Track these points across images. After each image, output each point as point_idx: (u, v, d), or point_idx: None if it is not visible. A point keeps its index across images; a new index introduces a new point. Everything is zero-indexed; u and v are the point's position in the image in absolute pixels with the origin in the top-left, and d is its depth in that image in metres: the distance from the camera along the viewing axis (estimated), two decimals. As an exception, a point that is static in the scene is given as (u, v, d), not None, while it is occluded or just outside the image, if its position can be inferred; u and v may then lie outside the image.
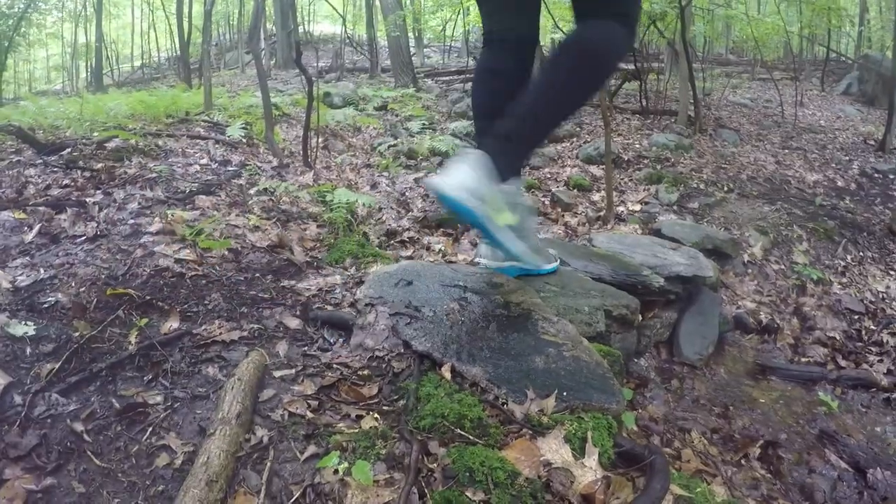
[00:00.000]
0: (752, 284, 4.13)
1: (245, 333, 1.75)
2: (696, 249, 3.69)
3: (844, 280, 4.43)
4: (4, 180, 3.65)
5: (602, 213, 4.68)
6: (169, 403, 1.44)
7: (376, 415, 1.39)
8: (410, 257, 3.31)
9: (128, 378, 1.57)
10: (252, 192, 3.64)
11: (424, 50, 20.49)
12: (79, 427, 1.38)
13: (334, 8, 8.59)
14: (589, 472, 1.25)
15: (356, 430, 1.33)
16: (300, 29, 17.91)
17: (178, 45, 14.41)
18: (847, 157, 7.51)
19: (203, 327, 1.80)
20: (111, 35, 23.35)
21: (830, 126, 9.60)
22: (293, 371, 1.55)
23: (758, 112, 9.71)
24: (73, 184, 3.62)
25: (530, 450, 1.29)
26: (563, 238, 4.19)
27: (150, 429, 1.37)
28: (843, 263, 4.63)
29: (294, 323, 1.84)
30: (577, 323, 1.93)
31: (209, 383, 1.51)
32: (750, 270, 4.32)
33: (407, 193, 4.69)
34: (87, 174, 3.85)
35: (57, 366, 1.59)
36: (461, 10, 17.45)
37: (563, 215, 4.73)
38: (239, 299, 2.02)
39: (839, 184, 6.40)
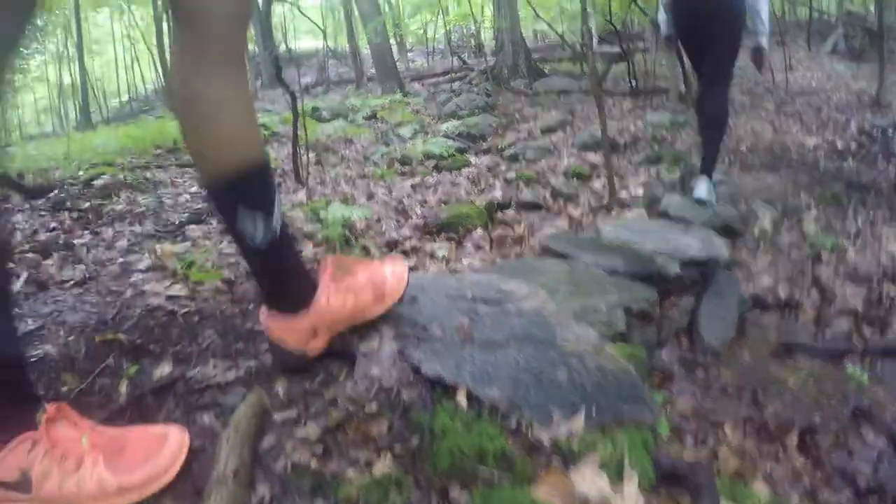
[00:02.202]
0: (766, 259, 4.00)
1: (241, 373, 1.62)
2: (707, 229, 3.57)
3: (858, 244, 4.29)
4: (-10, 230, 3.55)
5: (605, 201, 4.56)
6: (163, 462, 1.32)
7: (388, 457, 1.25)
8: (414, 267, 3.19)
9: (120, 432, 1.45)
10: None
11: (408, 54, 20.40)
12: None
13: (313, 21, 8.49)
14: (629, 501, 1.12)
15: (367, 479, 1.20)
16: (282, 46, 17.83)
17: (162, 76, 14.34)
18: (844, 117, 7.37)
19: (197, 369, 1.67)
20: (96, 73, 23.29)
21: (822, 87, 9.46)
22: (295, 412, 1.41)
23: (748, 80, 9.56)
24: (60, 226, 3.52)
25: (563, 484, 1.15)
26: (567, 231, 4.07)
27: (145, 492, 1.24)
28: (854, 227, 4.49)
29: (294, 355, 1.71)
30: (596, 324, 1.81)
31: (205, 434, 1.38)
32: (762, 245, 4.19)
33: (405, 201, 4.58)
34: (75, 215, 3.75)
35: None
36: (440, 11, 17.37)
37: (565, 207, 4.60)
38: (234, 334, 1.90)
39: (839, 145, 6.24)
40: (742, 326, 3.12)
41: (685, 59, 5.15)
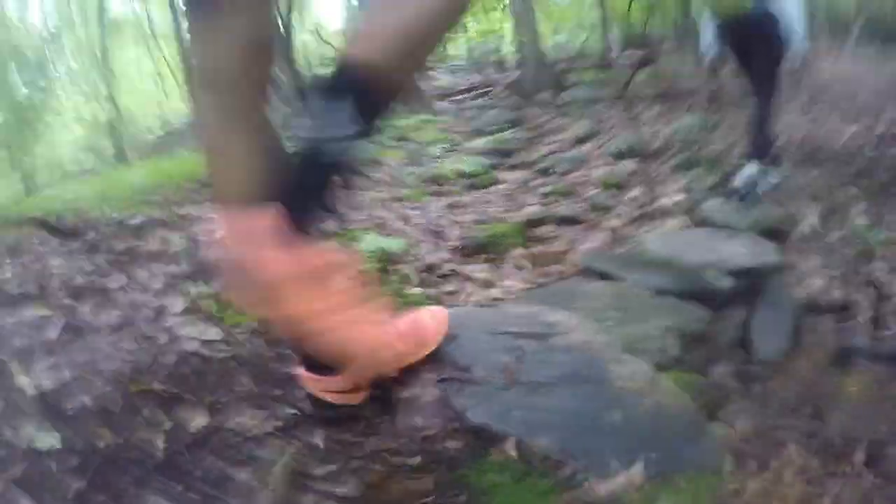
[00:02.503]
0: (817, 260, 3.84)
1: (279, 423, 1.56)
2: (753, 233, 3.44)
3: (912, 235, 4.11)
4: (28, 274, 3.54)
5: (644, 210, 4.45)
6: (201, 524, 1.25)
7: (434, 520, 1.17)
8: (453, 292, 3.12)
9: (158, 492, 1.39)
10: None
11: (431, 73, 20.37)
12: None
13: (336, 48, 8.49)
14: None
15: (413, 548, 1.12)
16: (307, 72, 17.95)
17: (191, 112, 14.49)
18: (880, 101, 7.11)
19: (234, 420, 1.61)
20: (129, 108, 23.61)
21: (855, 74, 9.18)
22: (334, 466, 1.33)
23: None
24: (95, 270, 3.49)
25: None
26: (609, 244, 3.96)
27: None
28: (906, 217, 4.31)
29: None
30: (649, 352, 1.72)
31: (243, 493, 1.32)
32: (811, 244, 4.03)
33: (439, 222, 4.50)
34: (111, 257, 3.72)
35: (84, 485, 1.42)
36: (461, 29, 17.37)
37: (603, 219, 4.50)
38: (271, 380, 1.83)
39: (880, 130, 6.02)
40: (797, 335, 3.00)
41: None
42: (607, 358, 1.53)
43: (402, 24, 1.16)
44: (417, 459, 1.30)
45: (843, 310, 3.30)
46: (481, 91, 12.96)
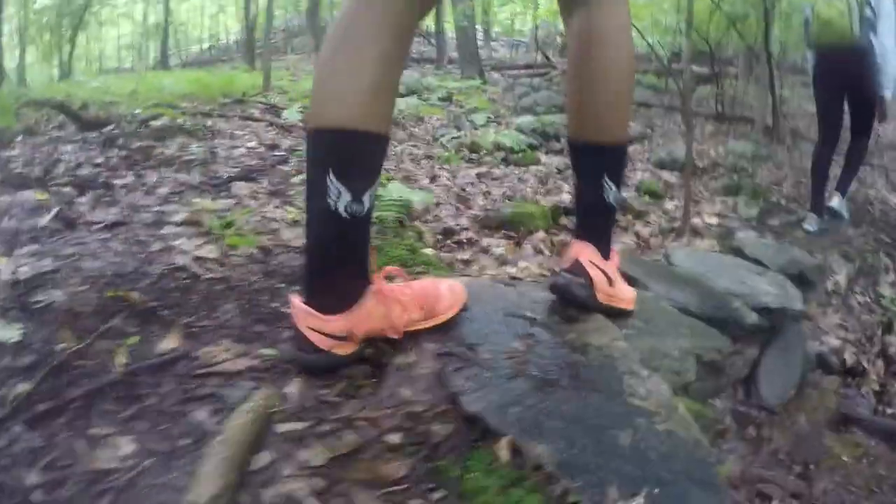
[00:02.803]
0: (836, 318, 3.72)
1: (255, 363, 1.40)
2: (782, 275, 3.28)
3: (933, 319, 3.96)
4: (37, 156, 3.42)
5: (676, 225, 4.28)
6: (140, 460, 1.10)
7: (401, 512, 1.00)
8: (467, 261, 2.98)
9: (104, 412, 1.24)
10: (296, 179, 3.31)
11: (492, 43, 20.08)
12: (33, 478, 1.06)
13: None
14: None
15: (371, 540, 0.96)
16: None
17: (245, 28, 14.33)
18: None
19: (206, 349, 1.46)
20: (180, 16, 23.45)
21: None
22: (302, 426, 1.17)
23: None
24: (105, 164, 3.36)
25: None
26: (634, 249, 3.81)
27: (109, 497, 1.02)
28: (931, 302, 4.15)
29: (316, 352, 1.49)
30: (664, 371, 1.55)
31: (195, 433, 1.16)
32: (834, 301, 3.89)
33: (467, 189, 4.36)
34: (123, 153, 3.58)
35: (30, 388, 1.27)
36: (531, 5, 17.05)
37: (633, 223, 4.34)
38: (257, 313, 1.68)
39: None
40: (802, 387, 2.88)
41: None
42: (623, 369, 1.37)
43: (611, 106, 1.56)
44: (396, 438, 1.13)
45: (850, 374, 3.22)
46: (539, 71, 12.74)
